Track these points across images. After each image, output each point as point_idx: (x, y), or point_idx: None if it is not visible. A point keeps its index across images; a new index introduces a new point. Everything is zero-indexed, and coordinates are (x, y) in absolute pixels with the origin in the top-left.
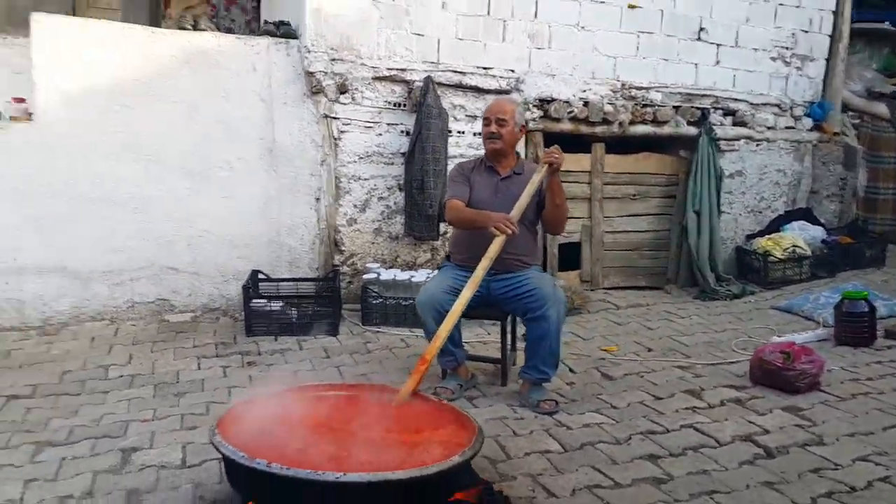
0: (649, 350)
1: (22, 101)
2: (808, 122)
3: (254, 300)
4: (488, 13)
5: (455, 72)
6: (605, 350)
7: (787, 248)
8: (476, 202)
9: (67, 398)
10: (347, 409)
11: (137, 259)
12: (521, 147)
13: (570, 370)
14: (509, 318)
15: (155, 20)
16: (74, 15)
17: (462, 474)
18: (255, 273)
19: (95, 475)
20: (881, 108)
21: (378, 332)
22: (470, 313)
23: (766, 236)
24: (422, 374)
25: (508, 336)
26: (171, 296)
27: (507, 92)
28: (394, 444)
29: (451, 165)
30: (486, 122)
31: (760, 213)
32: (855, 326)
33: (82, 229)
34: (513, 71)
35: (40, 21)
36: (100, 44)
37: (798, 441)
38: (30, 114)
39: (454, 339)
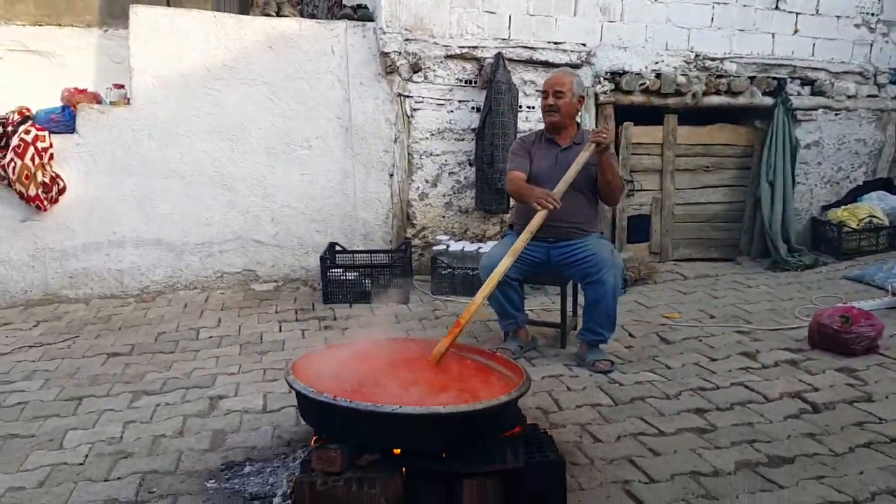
0: (711, 317)
1: (121, 86)
2: (894, 90)
3: (331, 270)
4: None
5: (525, 47)
6: (666, 317)
7: (864, 219)
8: (536, 173)
9: (162, 355)
10: (408, 358)
11: (226, 232)
12: (591, 120)
13: (630, 335)
14: (570, 285)
15: (244, 9)
16: (169, 6)
17: (510, 416)
18: (332, 245)
19: (185, 418)
20: None
21: (447, 300)
22: (532, 279)
23: (843, 207)
24: (455, 335)
25: (568, 301)
26: (256, 266)
27: (577, 66)
28: (449, 386)
29: None
30: (545, 94)
31: (838, 183)
32: None
33: (176, 204)
34: (584, 45)
35: (138, 12)
36: (192, 32)
37: (847, 398)
38: (128, 99)
39: (514, 302)
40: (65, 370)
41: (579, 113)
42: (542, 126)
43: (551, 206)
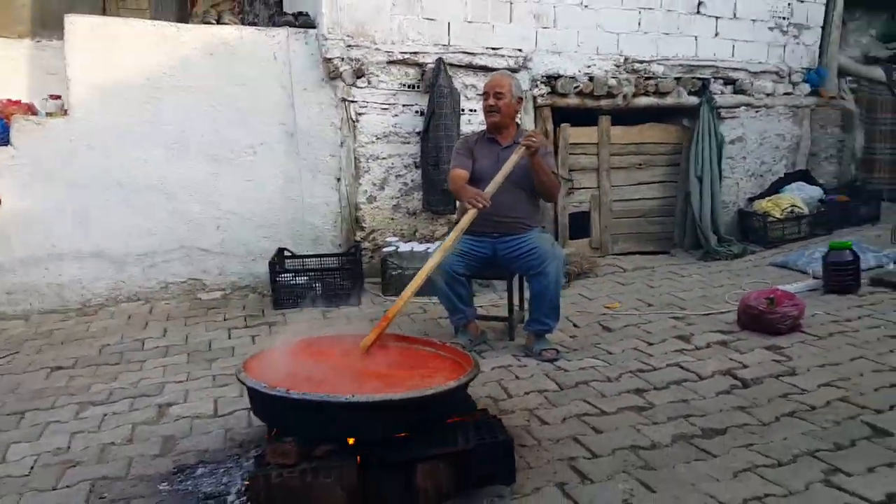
0: (649, 305)
1: (57, 97)
2: (806, 88)
3: (280, 275)
4: None
5: (465, 53)
6: (607, 307)
7: (786, 209)
8: (478, 171)
9: (107, 367)
10: (353, 352)
11: (169, 241)
12: (530, 122)
13: (574, 325)
14: (516, 279)
15: (182, 17)
16: (105, 14)
17: (460, 401)
18: (280, 250)
19: (135, 426)
20: (877, 73)
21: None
22: (479, 275)
23: (767, 198)
24: (382, 328)
25: (515, 296)
26: (202, 275)
27: (515, 70)
28: (399, 376)
29: None
30: (485, 96)
31: (761, 176)
32: (840, 275)
33: (116, 215)
34: (520, 50)
35: (74, 22)
36: (130, 41)
37: (773, 373)
38: (65, 110)
39: (463, 298)
40: (5, 385)
41: (518, 114)
42: (484, 128)
43: (480, 206)
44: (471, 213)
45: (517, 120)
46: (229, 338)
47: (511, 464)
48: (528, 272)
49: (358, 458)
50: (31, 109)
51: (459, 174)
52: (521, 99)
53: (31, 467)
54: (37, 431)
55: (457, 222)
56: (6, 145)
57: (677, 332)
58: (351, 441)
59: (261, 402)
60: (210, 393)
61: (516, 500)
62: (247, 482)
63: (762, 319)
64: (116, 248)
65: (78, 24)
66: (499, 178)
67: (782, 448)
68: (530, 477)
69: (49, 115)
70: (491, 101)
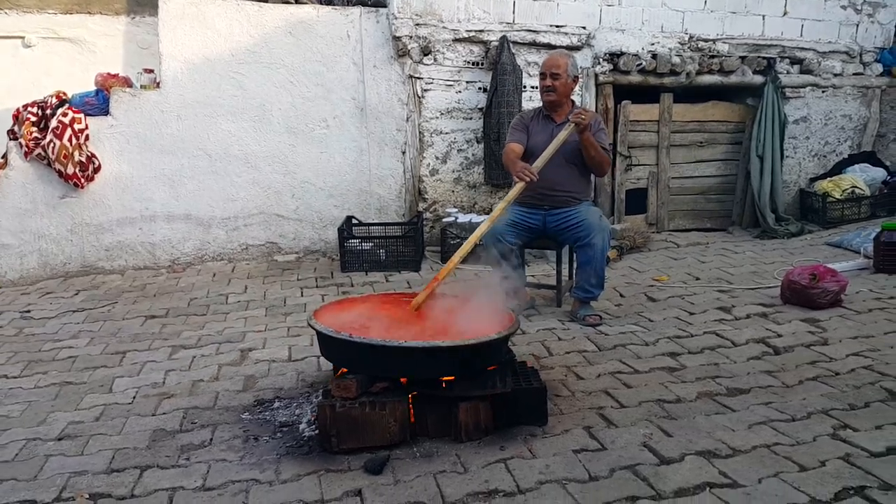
0: (696, 279)
1: (151, 71)
2: (878, 68)
3: (348, 241)
4: None
5: (529, 31)
6: (655, 279)
7: (846, 189)
8: (533, 147)
9: (195, 317)
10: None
11: (250, 207)
12: (591, 99)
13: (621, 294)
14: (565, 250)
15: None
16: None
17: (502, 354)
18: (349, 218)
19: (220, 367)
20: None
21: (456, 268)
22: (530, 244)
23: (828, 179)
24: (432, 288)
25: (564, 266)
26: (278, 239)
27: (578, 48)
28: (447, 328)
29: None
30: (542, 76)
31: (825, 157)
32: (891, 255)
33: (203, 181)
34: (584, 27)
35: (167, 1)
36: (217, 19)
37: (805, 342)
38: (158, 82)
39: (515, 266)
40: (107, 330)
41: (574, 91)
42: (541, 104)
43: (527, 179)
44: (519, 186)
45: (573, 97)
46: (301, 295)
47: (543, 408)
48: (575, 243)
49: (409, 395)
50: (127, 82)
51: (513, 148)
52: (576, 78)
53: (134, 397)
54: (136, 368)
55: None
56: (106, 115)
57: (720, 304)
58: (404, 381)
59: (327, 345)
60: (285, 341)
61: (547, 439)
62: (315, 412)
63: (804, 294)
64: (203, 211)
65: (171, 3)
66: (547, 152)
67: (799, 406)
68: (561, 421)
69: (143, 87)
70: (548, 82)
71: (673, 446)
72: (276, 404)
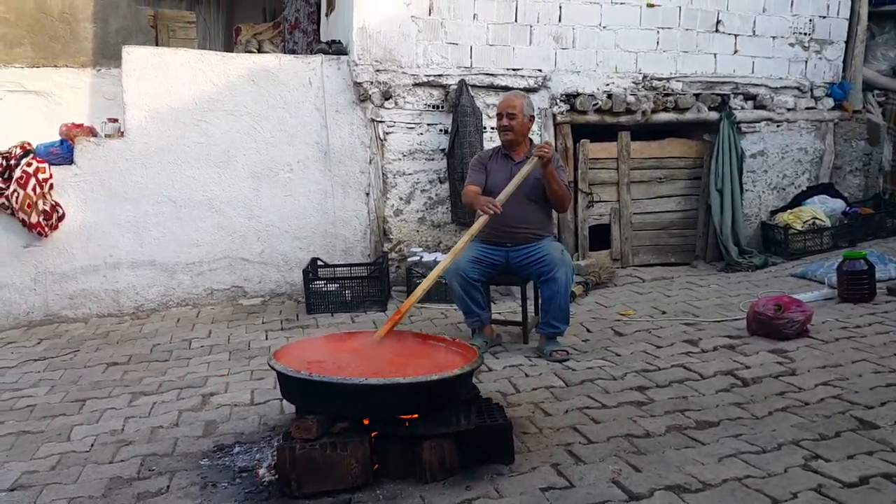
0: (663, 313)
1: (115, 120)
2: (829, 102)
3: (313, 282)
4: (515, 20)
5: (487, 74)
6: (621, 314)
7: (807, 221)
8: (492, 185)
9: (157, 363)
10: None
11: (215, 252)
12: (550, 139)
13: (588, 330)
14: (531, 286)
15: (228, 47)
16: (158, 46)
17: (466, 391)
18: (314, 260)
19: (181, 412)
20: None
21: (422, 307)
22: (494, 281)
23: (789, 211)
24: (394, 322)
25: (530, 302)
26: (243, 283)
27: (535, 90)
28: (409, 364)
29: None
30: (499, 116)
31: (784, 189)
32: (855, 284)
33: (168, 228)
34: (540, 70)
35: (130, 52)
36: (180, 69)
37: (773, 373)
38: (122, 131)
39: (478, 302)
40: (68, 378)
41: (531, 130)
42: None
43: (491, 212)
44: (483, 219)
45: (531, 136)
46: (266, 339)
47: (509, 445)
48: (539, 278)
49: (372, 434)
50: (92, 132)
51: (472, 189)
52: (532, 117)
53: (91, 445)
54: (95, 416)
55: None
56: (71, 164)
57: (686, 337)
58: (366, 421)
59: (287, 385)
60: (248, 385)
61: (514, 477)
62: (276, 456)
63: (770, 325)
64: (168, 257)
65: (134, 54)
66: (510, 187)
67: (769, 437)
68: (528, 458)
69: (108, 136)
70: (504, 122)
71: (642, 481)
72: (237, 449)
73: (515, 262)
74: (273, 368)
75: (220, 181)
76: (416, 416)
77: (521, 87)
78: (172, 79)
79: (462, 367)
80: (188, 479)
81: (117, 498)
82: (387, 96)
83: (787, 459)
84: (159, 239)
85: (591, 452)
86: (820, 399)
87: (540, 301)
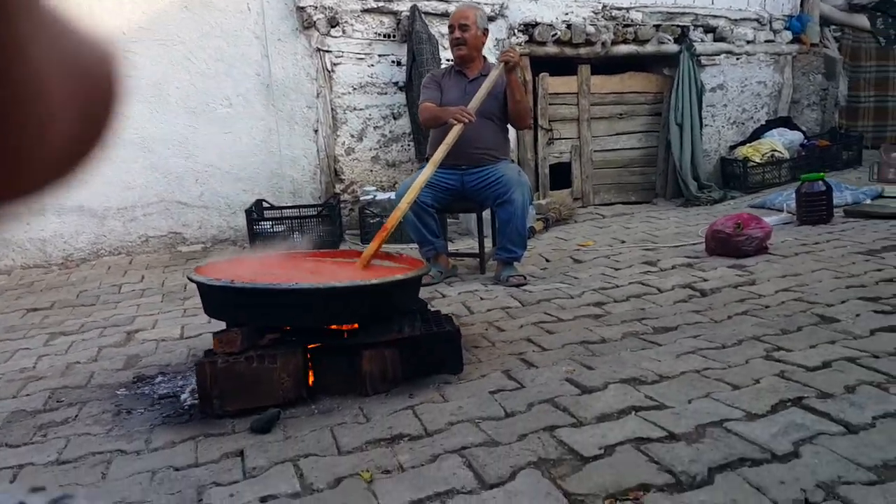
0: (622, 242)
1: None
2: (788, 35)
3: (258, 223)
4: None
5: (440, 1)
6: (581, 245)
7: (766, 153)
8: (447, 103)
9: (82, 308)
10: (313, 264)
11: (148, 195)
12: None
13: (546, 259)
14: (487, 214)
15: None
16: None
17: (410, 299)
18: (259, 202)
19: (101, 349)
20: (861, 21)
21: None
22: (447, 207)
23: (747, 144)
24: (382, 239)
25: (487, 232)
26: (182, 229)
27: (492, 19)
28: (350, 276)
29: None
30: (451, 29)
31: (743, 124)
32: (813, 205)
33: (96, 169)
34: None
35: None
36: None
37: (732, 284)
38: None
39: (432, 229)
40: None
41: (485, 46)
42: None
43: (466, 120)
44: (457, 129)
45: (483, 53)
46: None
47: (458, 353)
48: (495, 201)
49: (307, 346)
50: None
51: (429, 106)
52: (486, 31)
53: None
54: (5, 357)
55: (427, 157)
56: None
57: (645, 259)
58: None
59: (209, 298)
60: (179, 321)
61: (462, 384)
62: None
63: (729, 243)
64: (97, 202)
65: None
66: (480, 94)
67: (729, 335)
68: (479, 368)
69: None
70: (457, 34)
71: (596, 377)
72: (159, 379)
73: (471, 186)
74: (192, 280)
75: (152, 118)
76: (357, 326)
77: None
78: (97, 4)
79: (406, 273)
80: (100, 407)
81: (15, 429)
82: (333, 23)
83: (748, 352)
84: (87, 182)
85: (545, 358)
86: (780, 302)
87: (496, 225)
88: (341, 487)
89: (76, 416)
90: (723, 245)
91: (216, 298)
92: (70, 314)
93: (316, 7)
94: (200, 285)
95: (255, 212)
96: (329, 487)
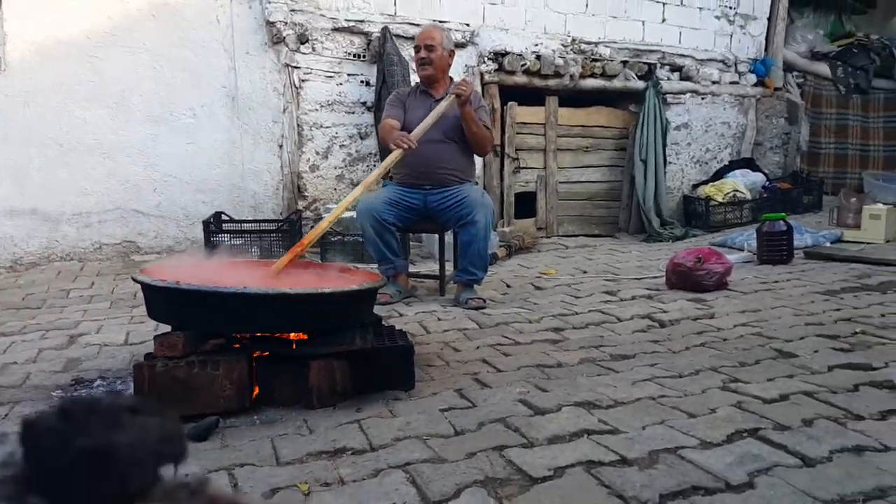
0: (584, 272)
1: None
2: (752, 78)
3: (215, 235)
4: None
5: (411, 24)
6: (543, 273)
7: (728, 193)
8: (410, 123)
9: (27, 310)
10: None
11: (104, 202)
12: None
13: (507, 285)
14: (448, 236)
15: None
16: None
17: (363, 311)
18: (217, 214)
19: (41, 350)
20: (823, 68)
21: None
22: (410, 227)
23: (710, 184)
24: (295, 253)
25: (448, 255)
26: (136, 237)
27: (462, 45)
28: (302, 284)
29: None
30: (417, 49)
31: (706, 163)
32: (774, 245)
33: (53, 173)
34: (468, 24)
35: None
36: None
37: (691, 316)
38: (2, 66)
39: (392, 248)
40: None
41: (451, 67)
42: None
43: (405, 146)
44: (396, 153)
45: (449, 73)
46: None
47: (410, 369)
48: (457, 222)
49: (252, 355)
50: None
51: (390, 123)
52: (453, 52)
53: None
54: None
55: (391, 175)
56: None
57: (605, 289)
58: (245, 339)
59: (152, 299)
60: (125, 328)
61: (412, 401)
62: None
63: (689, 277)
64: (52, 206)
65: None
66: (426, 122)
67: (686, 365)
68: (431, 386)
69: None
70: (423, 54)
71: (550, 399)
72: (98, 382)
73: (434, 206)
74: (136, 281)
75: (114, 124)
76: (306, 336)
77: None
78: (62, 9)
79: (361, 284)
80: (33, 407)
81: None
82: (303, 40)
83: (705, 382)
84: (42, 186)
85: (500, 379)
86: (739, 336)
87: (458, 247)
88: (276, 498)
89: (6, 415)
90: (683, 279)
91: (159, 301)
92: (13, 316)
93: (286, 23)
94: (144, 286)
95: (214, 224)
96: (264, 498)
